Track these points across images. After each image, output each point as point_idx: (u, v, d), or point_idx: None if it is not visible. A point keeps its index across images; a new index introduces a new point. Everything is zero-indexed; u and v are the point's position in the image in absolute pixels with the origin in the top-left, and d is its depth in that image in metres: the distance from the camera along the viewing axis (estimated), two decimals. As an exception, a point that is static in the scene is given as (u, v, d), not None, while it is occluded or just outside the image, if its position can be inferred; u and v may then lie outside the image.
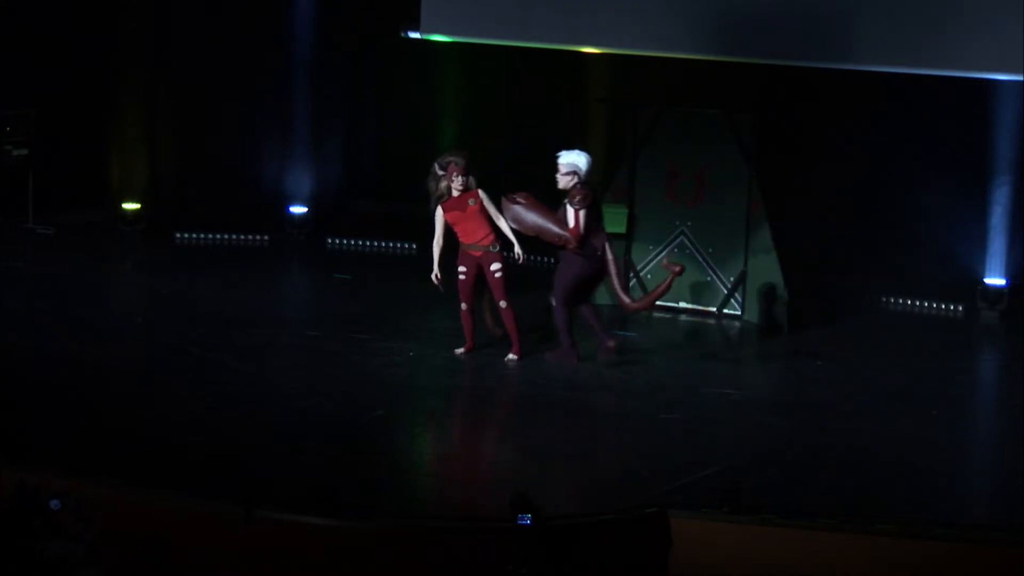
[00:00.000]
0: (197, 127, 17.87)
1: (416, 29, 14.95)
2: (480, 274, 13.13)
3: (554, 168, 13.19)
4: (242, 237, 17.34)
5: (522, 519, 9.02)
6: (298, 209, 17.73)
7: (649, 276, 15.08)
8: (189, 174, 17.90)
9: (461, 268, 13.16)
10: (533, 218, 13.01)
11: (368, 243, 17.37)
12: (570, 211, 12.94)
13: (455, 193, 13.04)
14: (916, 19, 13.49)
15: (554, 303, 13.18)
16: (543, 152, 16.96)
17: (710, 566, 9.71)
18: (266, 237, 17.40)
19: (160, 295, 15.31)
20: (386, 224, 17.50)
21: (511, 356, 13.22)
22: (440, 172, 13.06)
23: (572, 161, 13.03)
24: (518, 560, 8.99)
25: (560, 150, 13.20)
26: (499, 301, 13.13)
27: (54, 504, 8.83)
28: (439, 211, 13.10)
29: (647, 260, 15.10)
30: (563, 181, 13.07)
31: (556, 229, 12.94)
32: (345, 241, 17.36)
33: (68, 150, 17.43)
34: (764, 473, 10.84)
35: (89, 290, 15.30)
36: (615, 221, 14.84)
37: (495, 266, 13.09)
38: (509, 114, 17.46)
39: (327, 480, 10.38)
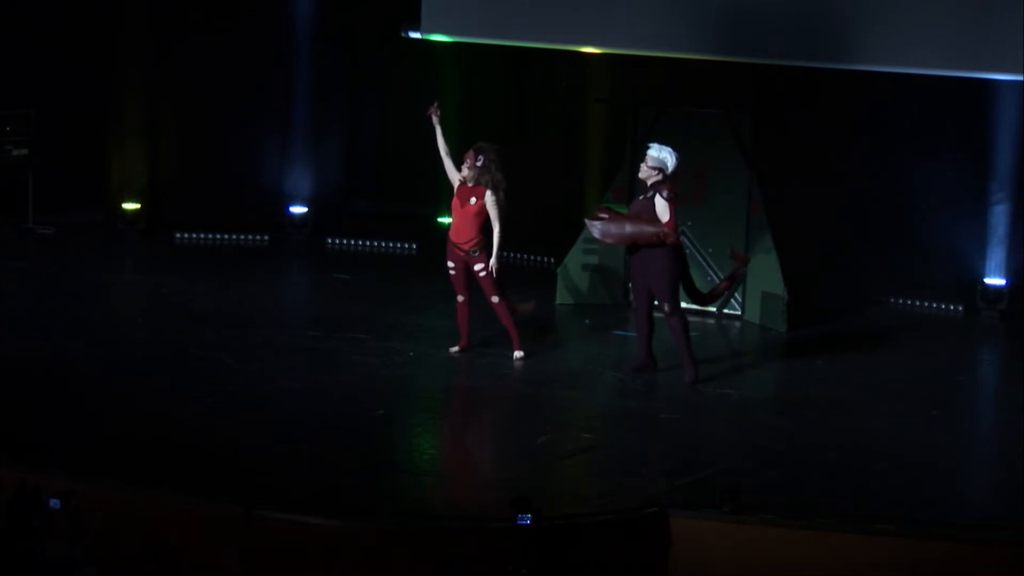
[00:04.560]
0: (197, 127, 17.86)
1: (416, 29, 14.95)
2: (468, 269, 13.12)
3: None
4: (242, 237, 17.34)
5: (522, 519, 9.02)
6: (298, 209, 17.73)
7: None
8: (189, 174, 17.89)
9: (450, 264, 13.17)
10: (623, 227, 12.85)
11: (368, 243, 17.37)
12: (663, 205, 12.69)
13: (468, 183, 13.05)
14: (916, 19, 13.49)
15: (667, 310, 12.83)
16: (543, 152, 17.04)
17: (710, 566, 9.72)
18: (266, 237, 17.40)
19: (160, 295, 15.31)
20: (386, 224, 17.50)
21: (517, 354, 13.20)
22: (465, 157, 13.07)
23: (662, 158, 12.77)
24: (518, 560, 8.99)
25: (650, 146, 12.92)
26: (490, 297, 13.11)
27: (54, 504, 8.85)
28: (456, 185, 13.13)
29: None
30: (645, 172, 12.82)
31: (651, 228, 12.70)
32: (345, 241, 17.35)
33: (68, 150, 17.43)
34: (764, 473, 10.84)
35: (89, 290, 15.29)
36: (615, 221, 14.86)
37: (478, 267, 13.07)
38: (509, 114, 17.45)
39: (327, 480, 10.37)
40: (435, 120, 13.16)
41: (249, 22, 17.62)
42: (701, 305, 14.24)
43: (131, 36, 17.53)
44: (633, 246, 12.92)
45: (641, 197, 12.95)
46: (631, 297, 15.18)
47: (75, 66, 17.54)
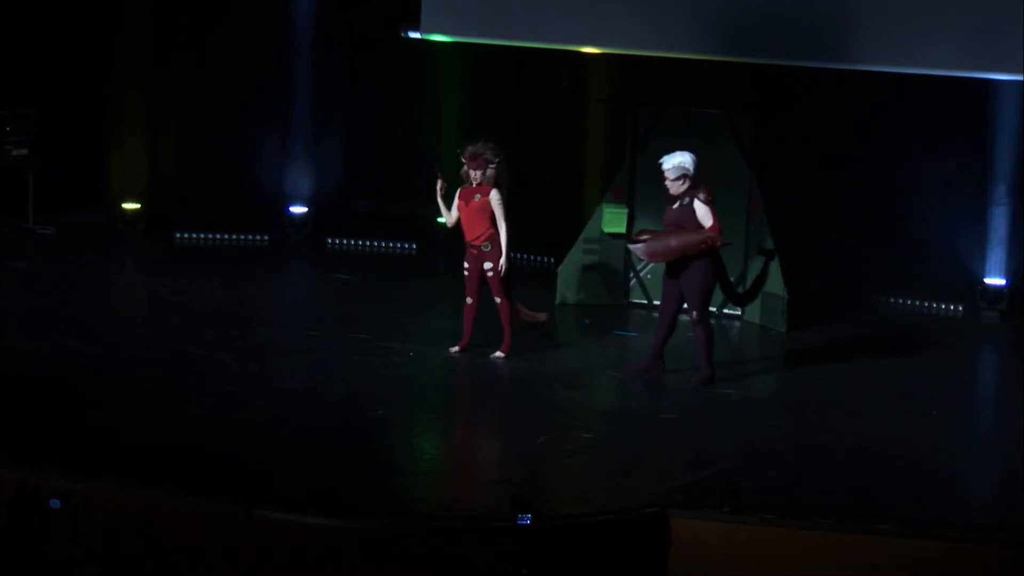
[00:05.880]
0: (197, 127, 17.87)
1: (416, 29, 14.96)
2: (482, 272, 13.15)
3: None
4: (242, 237, 17.35)
5: (522, 519, 9.02)
6: (298, 209, 17.74)
7: (649, 276, 15.09)
8: (189, 174, 17.91)
9: (465, 264, 13.21)
10: (669, 242, 12.60)
11: (368, 243, 17.38)
12: (704, 209, 12.51)
13: (472, 184, 13.08)
14: (916, 19, 13.50)
15: (695, 317, 12.70)
16: (543, 152, 17.04)
17: (710, 566, 9.72)
18: (266, 237, 17.41)
19: (160, 295, 15.31)
20: (386, 224, 17.51)
21: (498, 354, 13.23)
22: (463, 160, 13.10)
23: (680, 164, 12.57)
24: (518, 560, 8.99)
25: (663, 156, 12.74)
26: (495, 298, 13.14)
27: (54, 503, 8.84)
28: (456, 194, 13.20)
29: (647, 261, 15.07)
30: (676, 187, 12.57)
31: (697, 236, 12.47)
32: (345, 241, 17.36)
33: (68, 150, 17.43)
34: (764, 473, 10.83)
35: (89, 290, 15.30)
36: (615, 221, 14.85)
37: (487, 265, 13.10)
38: (509, 114, 17.46)
39: (327, 480, 10.37)
40: (440, 186, 13.25)
41: (249, 23, 17.63)
42: (740, 305, 14.40)
43: (131, 36, 17.54)
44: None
45: (675, 206, 12.68)
46: (630, 297, 15.25)
47: (75, 66, 17.55)
